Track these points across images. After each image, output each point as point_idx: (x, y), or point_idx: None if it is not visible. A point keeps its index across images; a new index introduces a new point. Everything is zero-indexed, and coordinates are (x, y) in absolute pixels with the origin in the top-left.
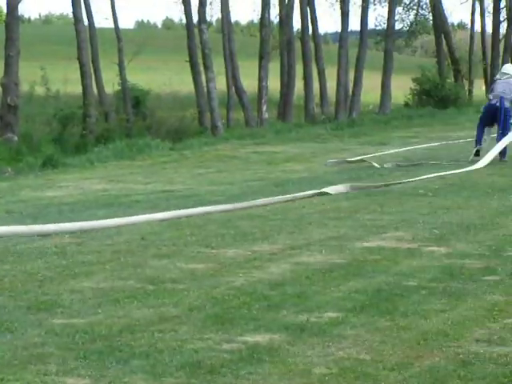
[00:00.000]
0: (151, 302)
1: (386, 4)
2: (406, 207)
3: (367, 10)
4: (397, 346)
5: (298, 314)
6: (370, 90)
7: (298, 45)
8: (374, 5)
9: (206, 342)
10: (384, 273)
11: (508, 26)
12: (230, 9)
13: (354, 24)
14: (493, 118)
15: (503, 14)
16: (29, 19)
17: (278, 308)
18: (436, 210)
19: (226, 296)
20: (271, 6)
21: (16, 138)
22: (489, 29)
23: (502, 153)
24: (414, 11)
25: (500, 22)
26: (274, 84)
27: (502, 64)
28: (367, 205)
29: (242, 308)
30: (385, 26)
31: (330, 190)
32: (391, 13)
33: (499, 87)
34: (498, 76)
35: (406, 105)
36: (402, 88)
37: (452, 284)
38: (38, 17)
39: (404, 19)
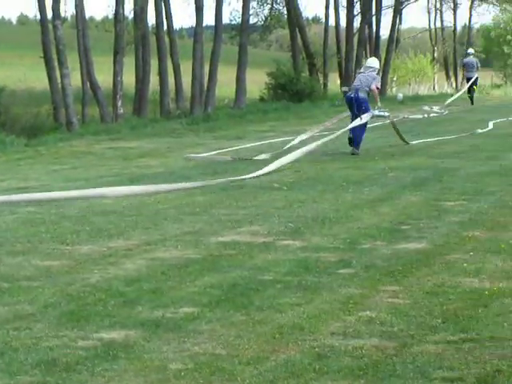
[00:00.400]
0: (6, 299)
1: None
2: (261, 201)
3: (221, 5)
4: (252, 340)
5: (154, 309)
6: (226, 84)
7: (153, 40)
8: None
9: (61, 340)
10: (239, 267)
11: (362, 20)
12: (85, 4)
13: (209, 19)
14: (351, 108)
15: (357, 8)
16: None
17: (134, 304)
18: (291, 204)
19: (82, 293)
20: (126, 1)
21: None
22: (343, 23)
23: (355, 144)
24: (269, 6)
25: (354, 16)
26: (129, 79)
27: (357, 58)
28: (222, 199)
29: (98, 305)
30: (239, 20)
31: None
32: (246, 7)
33: (357, 80)
34: (361, 69)
35: (262, 99)
36: (257, 82)
37: (307, 277)
38: None
39: (259, 14)
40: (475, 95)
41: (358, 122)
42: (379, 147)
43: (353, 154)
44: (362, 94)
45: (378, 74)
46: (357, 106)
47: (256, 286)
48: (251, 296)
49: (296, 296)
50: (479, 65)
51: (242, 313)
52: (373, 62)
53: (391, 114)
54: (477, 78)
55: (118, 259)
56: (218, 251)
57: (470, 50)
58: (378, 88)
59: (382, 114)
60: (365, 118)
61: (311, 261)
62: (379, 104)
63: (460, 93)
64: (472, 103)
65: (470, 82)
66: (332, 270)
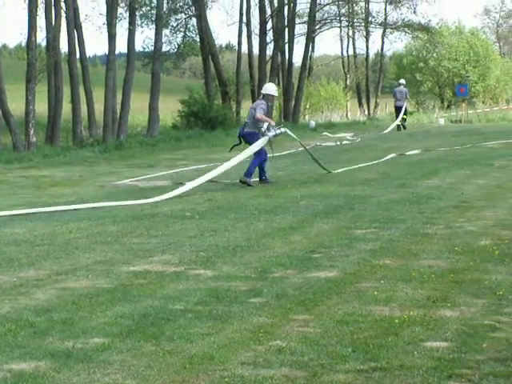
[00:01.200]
0: None
1: (154, 26)
2: (173, 230)
3: (134, 33)
4: (162, 370)
5: (64, 340)
6: (139, 112)
7: (65, 67)
8: (142, 27)
9: None
10: (150, 297)
11: (274, 48)
12: None
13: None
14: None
15: (270, 36)
16: None
17: (44, 335)
18: (203, 233)
19: None
20: (38, 28)
21: None
22: (256, 50)
23: (247, 174)
24: (182, 33)
25: (267, 44)
26: (42, 107)
27: None
28: (134, 228)
29: (8, 335)
30: (152, 48)
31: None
32: (158, 35)
33: (248, 116)
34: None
35: (174, 127)
36: (170, 110)
37: (218, 307)
38: None
39: (172, 41)
40: (397, 123)
41: (247, 152)
42: (291, 175)
43: (241, 181)
44: (247, 129)
45: (270, 99)
46: (249, 143)
47: (167, 315)
48: (162, 326)
49: (206, 326)
50: (408, 95)
51: (152, 343)
52: (264, 88)
53: (303, 141)
54: (406, 107)
55: (29, 289)
56: (129, 281)
57: (402, 81)
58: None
59: (277, 132)
60: (255, 146)
61: (222, 290)
62: (272, 123)
63: (396, 122)
64: (405, 128)
65: (402, 111)
66: (243, 299)
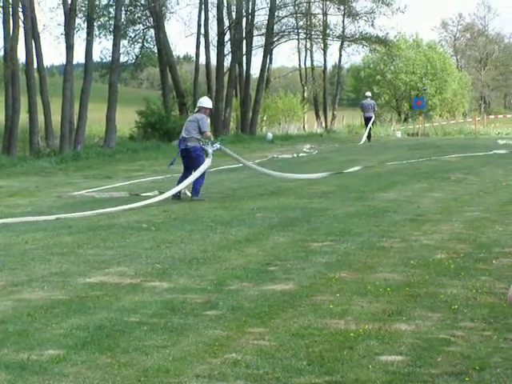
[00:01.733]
0: None
1: (112, 37)
2: (129, 242)
3: (92, 43)
4: (117, 382)
5: (19, 352)
6: (96, 122)
7: (23, 77)
8: (100, 38)
9: None
10: (106, 308)
11: (232, 60)
12: None
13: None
14: (183, 160)
15: (228, 47)
16: None
17: None
18: (159, 245)
19: None
20: None
21: None
22: (214, 61)
23: (194, 191)
24: (140, 44)
25: (224, 56)
26: None
27: (227, 97)
28: (90, 239)
29: None
30: (110, 58)
31: None
32: (116, 46)
33: (183, 130)
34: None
35: (131, 138)
36: (128, 120)
37: (173, 319)
38: None
39: (129, 52)
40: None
41: (190, 179)
42: (248, 187)
43: (192, 200)
44: (190, 144)
45: (207, 113)
46: (189, 158)
47: (122, 327)
48: (117, 338)
49: (162, 338)
50: (376, 107)
51: (107, 355)
52: (200, 102)
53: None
54: (373, 119)
55: None
56: (85, 292)
57: (368, 93)
58: (207, 132)
59: (215, 149)
60: (200, 170)
61: (178, 302)
62: (212, 139)
63: (366, 133)
64: (369, 140)
65: (370, 122)
66: (198, 311)
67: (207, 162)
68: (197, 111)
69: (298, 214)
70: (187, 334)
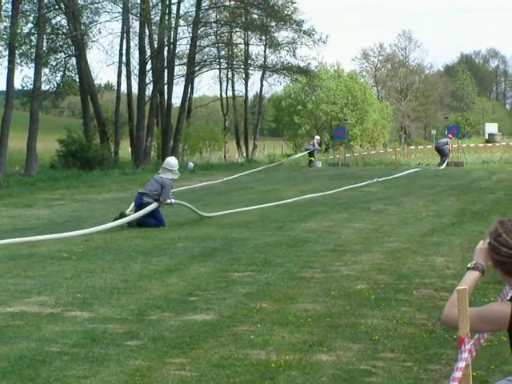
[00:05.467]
0: None
1: (33, 65)
2: (50, 271)
3: (13, 71)
4: None
5: None
6: (17, 150)
7: None
8: (21, 66)
9: None
10: (27, 338)
11: (154, 89)
12: None
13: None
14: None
15: (149, 77)
16: None
17: None
18: (80, 274)
19: None
20: None
21: None
22: (135, 90)
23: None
24: (61, 73)
25: (146, 84)
26: None
27: (148, 126)
28: (11, 268)
29: None
30: (32, 86)
31: None
32: (38, 74)
33: (148, 184)
34: (160, 171)
35: (52, 166)
36: (49, 149)
37: (94, 349)
38: None
39: (51, 80)
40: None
41: (134, 216)
42: (169, 216)
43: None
44: (147, 200)
45: (172, 176)
46: (142, 209)
47: (43, 357)
48: (38, 368)
49: (83, 368)
50: (317, 145)
51: None
52: (168, 163)
53: (181, 182)
54: (314, 151)
55: None
56: (6, 322)
57: (317, 137)
58: (165, 199)
59: (168, 202)
60: (147, 209)
61: (99, 332)
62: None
63: (300, 155)
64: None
65: (309, 151)
66: (119, 341)
67: (154, 205)
68: (164, 171)
69: (219, 243)
70: (108, 364)
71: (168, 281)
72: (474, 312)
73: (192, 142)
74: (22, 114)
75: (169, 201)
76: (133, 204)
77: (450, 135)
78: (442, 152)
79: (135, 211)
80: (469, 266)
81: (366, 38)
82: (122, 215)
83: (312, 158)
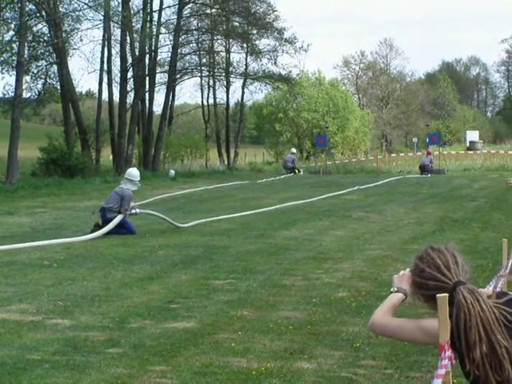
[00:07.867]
0: None
1: (14, 73)
2: (31, 279)
3: None
4: None
5: None
6: None
7: None
8: (2, 73)
9: None
10: (8, 346)
11: (135, 96)
12: None
13: None
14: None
15: (130, 84)
16: None
17: None
18: (61, 282)
19: None
20: None
21: None
22: (117, 98)
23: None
24: (43, 80)
25: (127, 92)
26: None
27: (129, 133)
28: None
29: None
30: (13, 94)
31: None
32: (19, 82)
33: (108, 198)
34: (121, 181)
35: (34, 174)
36: (30, 157)
37: (76, 357)
38: None
39: (32, 88)
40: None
41: (103, 230)
42: (149, 224)
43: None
44: (109, 215)
45: (132, 187)
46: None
47: (24, 365)
48: (19, 376)
49: (64, 376)
50: (296, 162)
51: None
52: (129, 173)
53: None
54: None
55: None
56: None
57: (293, 149)
58: (126, 209)
59: (132, 213)
60: (113, 222)
61: (80, 340)
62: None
63: (288, 175)
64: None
65: (291, 174)
66: (100, 349)
67: (119, 217)
68: (126, 181)
69: (200, 251)
70: (89, 371)
71: (149, 288)
72: (413, 322)
73: (173, 150)
74: (2, 122)
75: (133, 211)
76: None
77: (429, 149)
78: (425, 169)
79: (103, 225)
80: (392, 290)
81: (348, 46)
82: (97, 226)
83: (296, 171)
